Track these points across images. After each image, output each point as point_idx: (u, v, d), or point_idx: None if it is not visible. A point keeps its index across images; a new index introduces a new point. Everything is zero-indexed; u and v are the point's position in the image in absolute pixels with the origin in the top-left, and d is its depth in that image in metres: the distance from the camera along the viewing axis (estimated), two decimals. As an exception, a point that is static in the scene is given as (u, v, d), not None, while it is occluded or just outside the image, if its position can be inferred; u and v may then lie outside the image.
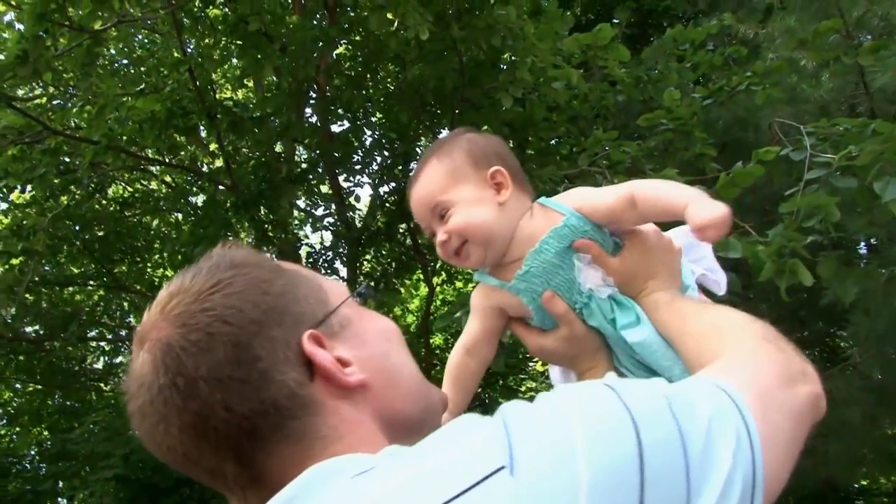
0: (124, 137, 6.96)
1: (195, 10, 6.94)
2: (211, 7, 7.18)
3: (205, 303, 0.94)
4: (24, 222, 6.62)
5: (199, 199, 9.35)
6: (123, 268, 9.74)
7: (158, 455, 0.98)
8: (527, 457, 0.76)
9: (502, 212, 1.44)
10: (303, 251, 9.39)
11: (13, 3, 5.28)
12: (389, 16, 5.44)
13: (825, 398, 1.10)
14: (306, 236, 10.14)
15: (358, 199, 9.29)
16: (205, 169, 9.23)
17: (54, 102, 7.93)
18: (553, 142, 8.10)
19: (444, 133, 8.93)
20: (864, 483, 9.71)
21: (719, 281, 1.52)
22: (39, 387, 10.46)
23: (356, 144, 9.04)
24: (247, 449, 0.92)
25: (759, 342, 1.11)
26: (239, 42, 7.04)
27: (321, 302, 1.03)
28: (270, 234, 8.39)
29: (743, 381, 0.96)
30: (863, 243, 6.30)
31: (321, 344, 0.97)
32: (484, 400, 10.06)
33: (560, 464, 0.75)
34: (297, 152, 9.74)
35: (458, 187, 1.44)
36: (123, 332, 10.44)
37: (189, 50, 7.68)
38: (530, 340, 1.50)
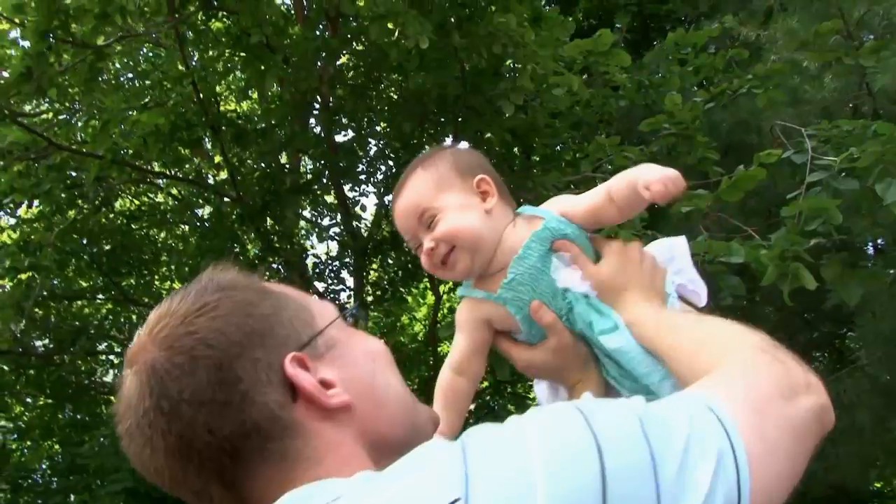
0: (130, 151, 7.00)
1: (198, 22, 6.98)
2: (213, 20, 7.22)
3: (190, 326, 0.95)
4: (32, 237, 6.66)
5: (206, 212, 9.39)
6: (131, 281, 9.76)
7: (147, 476, 0.99)
8: (483, 489, 0.75)
9: (489, 219, 1.45)
10: (309, 261, 9.40)
11: (17, 20, 5.32)
12: (390, 25, 5.46)
13: (832, 409, 1.06)
14: (312, 246, 10.16)
15: (364, 208, 9.32)
16: (210, 181, 9.26)
17: (60, 118, 7.98)
18: (558, 147, 8.11)
19: (448, 140, 8.95)
20: (879, 485, 9.63)
21: (699, 292, 1.51)
22: (50, 401, 10.49)
23: (360, 154, 9.06)
24: (230, 471, 0.93)
25: (755, 354, 1.08)
26: (242, 54, 7.08)
27: (307, 324, 1.03)
28: (276, 245, 8.40)
29: (735, 397, 0.94)
30: (870, 244, 6.28)
31: (305, 366, 0.98)
32: (493, 407, 10.03)
33: (517, 497, 0.74)
34: (302, 163, 9.76)
35: (444, 195, 1.45)
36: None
37: (193, 63, 7.72)
38: (517, 356, 1.49)
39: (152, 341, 0.97)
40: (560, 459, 0.77)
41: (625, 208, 1.41)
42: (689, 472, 0.80)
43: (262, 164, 8.59)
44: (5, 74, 5.32)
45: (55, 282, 9.21)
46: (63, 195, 6.97)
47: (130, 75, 9.64)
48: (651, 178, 1.32)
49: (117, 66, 9.06)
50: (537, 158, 8.17)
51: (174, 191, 9.83)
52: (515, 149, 7.65)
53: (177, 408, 0.91)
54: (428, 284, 10.63)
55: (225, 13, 7.06)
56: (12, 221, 8.48)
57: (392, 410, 1.06)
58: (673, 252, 1.54)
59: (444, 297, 9.46)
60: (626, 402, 0.89)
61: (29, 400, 10.91)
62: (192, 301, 0.99)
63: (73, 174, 6.75)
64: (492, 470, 0.77)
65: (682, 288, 1.50)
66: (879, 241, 6.08)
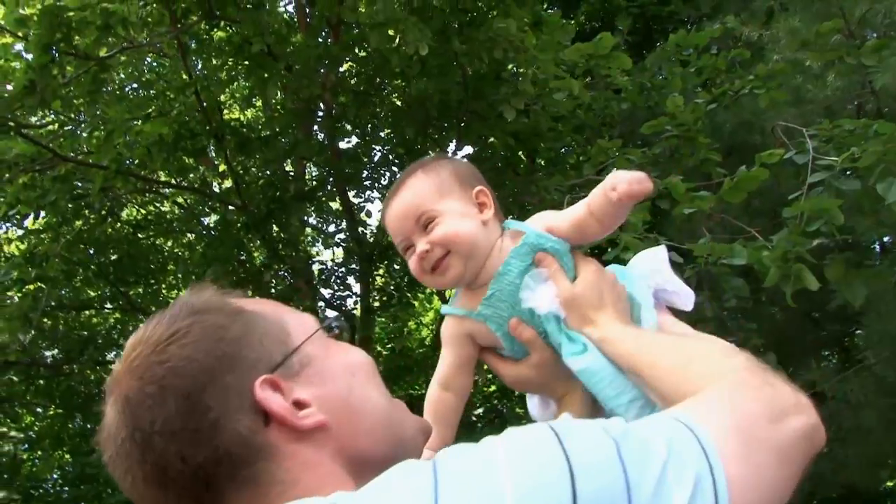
0: (136, 161, 7.03)
1: (200, 32, 7.01)
2: (216, 30, 7.25)
3: (161, 354, 0.96)
4: (38, 249, 6.69)
5: (212, 220, 9.42)
6: (139, 290, 9.80)
7: (136, 503, 1.00)
8: None
9: (484, 230, 1.45)
10: (315, 268, 9.42)
11: (20, 34, 5.36)
12: (391, 32, 5.47)
13: (822, 428, 1.05)
14: (318, 253, 10.18)
15: (369, 214, 9.32)
16: (216, 189, 9.29)
17: (66, 128, 8.02)
18: (563, 150, 8.11)
19: (452, 145, 8.96)
20: (891, 484, 9.56)
21: (682, 294, 1.51)
22: (59, 411, 10.53)
23: (365, 160, 9.08)
24: (206, 498, 0.94)
25: (742, 375, 1.07)
26: (245, 63, 7.11)
27: (281, 342, 1.03)
28: (282, 252, 8.42)
29: (719, 419, 0.93)
30: (877, 243, 6.24)
31: (277, 387, 0.97)
32: (501, 411, 10.02)
33: None
34: (307, 170, 9.79)
35: (445, 200, 1.45)
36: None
37: (198, 72, 7.76)
38: (503, 371, 1.49)
39: (127, 370, 0.98)
40: (531, 483, 0.77)
41: (604, 219, 1.40)
42: (664, 498, 0.79)
43: (268, 172, 8.62)
44: (9, 87, 5.36)
45: (63, 292, 9.26)
46: (70, 205, 7.01)
47: (135, 85, 9.69)
48: (616, 181, 1.33)
49: (122, 76, 9.11)
50: (542, 162, 8.18)
51: (180, 200, 9.88)
52: (520, 153, 7.65)
53: (149, 438, 0.93)
54: (434, 289, 10.64)
55: (227, 23, 7.08)
56: (20, 232, 8.51)
57: (372, 426, 1.05)
58: (655, 262, 1.54)
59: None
60: (604, 424, 0.88)
61: (39, 410, 10.96)
62: (164, 328, 0.99)
63: (79, 185, 6.78)
64: (462, 493, 0.77)
65: (662, 292, 1.49)
66: (886, 239, 6.06)
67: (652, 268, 1.53)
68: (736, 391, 1.02)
